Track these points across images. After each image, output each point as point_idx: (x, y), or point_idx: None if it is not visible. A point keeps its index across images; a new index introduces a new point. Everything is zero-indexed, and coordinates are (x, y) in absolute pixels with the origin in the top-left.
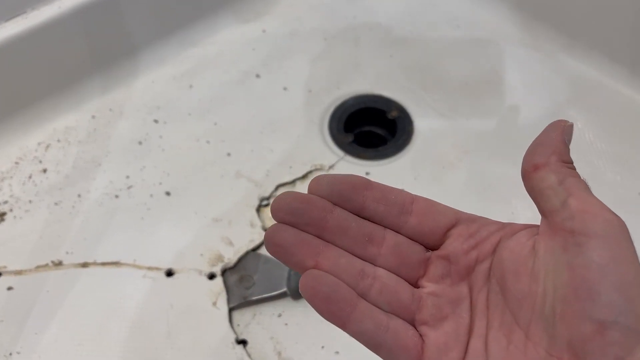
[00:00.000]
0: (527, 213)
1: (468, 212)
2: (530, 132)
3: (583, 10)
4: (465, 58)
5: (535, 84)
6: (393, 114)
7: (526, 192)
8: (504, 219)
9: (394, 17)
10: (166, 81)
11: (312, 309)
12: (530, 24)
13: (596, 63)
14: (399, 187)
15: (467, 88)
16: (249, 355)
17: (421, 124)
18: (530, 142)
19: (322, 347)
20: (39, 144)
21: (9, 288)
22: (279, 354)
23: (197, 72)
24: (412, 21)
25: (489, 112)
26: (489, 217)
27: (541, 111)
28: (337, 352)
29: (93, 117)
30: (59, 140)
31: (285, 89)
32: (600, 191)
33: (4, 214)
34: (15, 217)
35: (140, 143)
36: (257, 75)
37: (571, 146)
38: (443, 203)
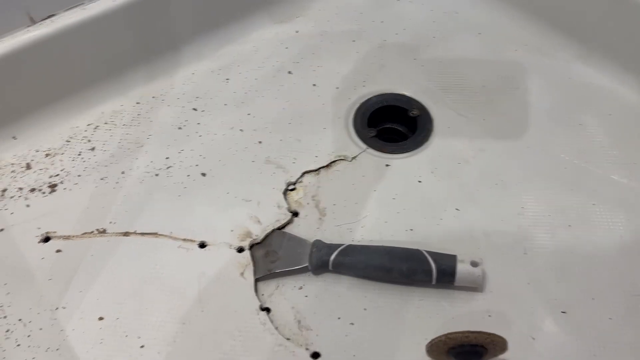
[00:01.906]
0: (535, 208)
1: (480, 204)
2: (542, 135)
3: (597, 22)
4: (484, 63)
5: (550, 89)
6: (414, 112)
7: (536, 190)
8: (514, 212)
9: (418, 23)
10: (205, 74)
11: (331, 284)
12: (547, 33)
13: (609, 72)
14: (417, 179)
15: (484, 91)
16: (272, 321)
17: (440, 122)
18: (541, 144)
19: (339, 318)
20: (88, 125)
21: (58, 251)
22: (299, 322)
23: (234, 67)
24: (436, 27)
25: (504, 114)
26: (500, 210)
27: (554, 116)
28: (352, 324)
29: (137, 103)
30: (106, 123)
31: (314, 85)
32: (608, 192)
33: (55, 185)
34: (65, 189)
35: (179, 128)
36: (289, 72)
37: (583, 150)
38: (458, 196)
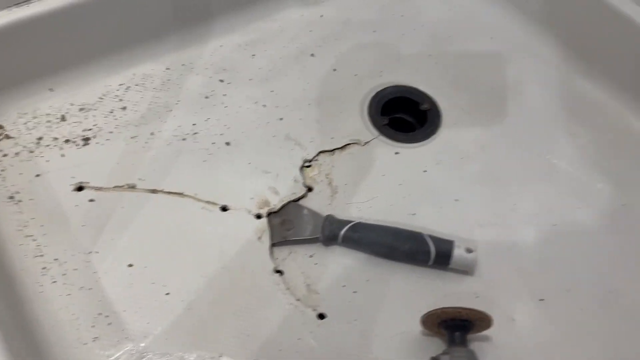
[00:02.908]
0: (526, 206)
1: (478, 197)
2: (540, 138)
3: (601, 41)
4: (495, 66)
5: (551, 97)
6: (425, 106)
7: (529, 189)
8: (506, 208)
9: (437, 21)
10: (233, 47)
11: (339, 256)
12: (556, 45)
13: (606, 87)
14: (423, 168)
15: (492, 92)
16: (284, 282)
17: (448, 118)
18: (539, 146)
19: (344, 286)
20: (120, 85)
21: (91, 200)
22: (308, 286)
23: (260, 44)
24: (453, 27)
25: (508, 116)
26: (495, 204)
27: (552, 123)
28: (355, 292)
29: (167, 68)
30: (137, 85)
31: (334, 69)
32: (592, 199)
33: (88, 139)
34: (97, 143)
35: (206, 97)
36: (312, 54)
37: (573, 156)
38: (458, 188)
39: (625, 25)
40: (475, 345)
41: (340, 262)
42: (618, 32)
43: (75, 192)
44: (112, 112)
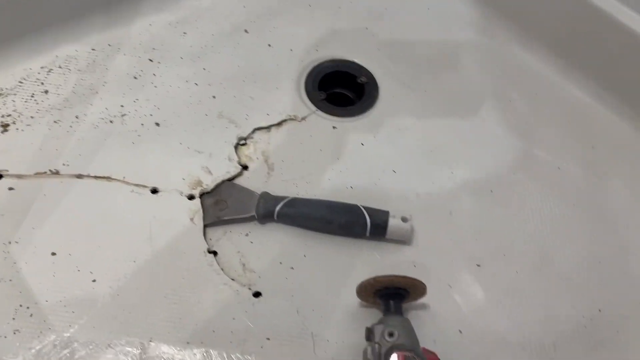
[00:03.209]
0: (463, 174)
1: (415, 168)
2: (476, 107)
3: (537, 10)
4: (431, 38)
5: (488, 67)
6: (362, 79)
7: (466, 158)
8: (444, 177)
9: None
10: (163, 26)
11: (275, 233)
12: (492, 16)
13: (541, 55)
14: (360, 141)
15: (429, 64)
16: (218, 263)
17: (386, 90)
18: (476, 115)
19: (280, 263)
20: (42, 67)
21: (10, 188)
22: (243, 265)
23: (192, 22)
24: (389, 0)
25: (444, 87)
26: (432, 174)
27: (488, 91)
28: (292, 268)
29: (93, 49)
30: (60, 67)
31: (269, 45)
32: (528, 164)
33: (7, 125)
34: (17, 129)
35: (135, 78)
36: (246, 31)
37: (509, 124)
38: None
39: None
40: (412, 314)
41: (277, 238)
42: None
43: None
44: (33, 97)
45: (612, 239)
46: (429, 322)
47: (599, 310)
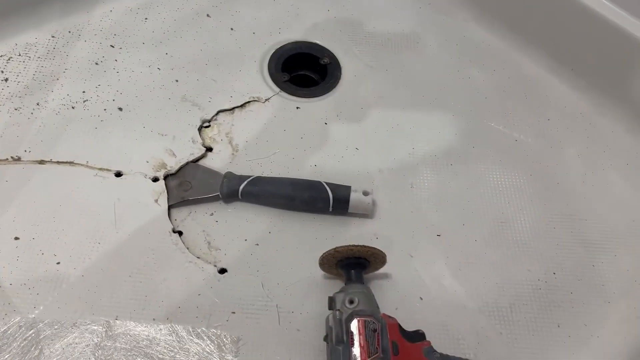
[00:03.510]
0: (424, 149)
1: (377, 145)
2: (436, 84)
3: None
4: (391, 18)
5: (447, 45)
6: (325, 60)
7: (426, 133)
8: (405, 153)
9: None
10: (123, 12)
11: (240, 211)
12: None
13: (498, 32)
14: (324, 121)
15: (389, 44)
16: (183, 242)
17: (348, 70)
18: (434, 94)
19: (245, 240)
20: (1, 56)
21: None
22: (209, 243)
23: (153, 7)
24: None
25: (405, 65)
26: (393, 150)
27: (448, 68)
28: (257, 244)
29: (53, 36)
30: (19, 55)
31: (232, 29)
32: (486, 137)
33: None
34: None
35: (96, 64)
36: (208, 15)
37: (468, 99)
38: (359, 137)
39: None
40: (374, 283)
41: (242, 216)
42: None
43: None
44: None
45: (566, 207)
46: (391, 290)
47: (554, 274)
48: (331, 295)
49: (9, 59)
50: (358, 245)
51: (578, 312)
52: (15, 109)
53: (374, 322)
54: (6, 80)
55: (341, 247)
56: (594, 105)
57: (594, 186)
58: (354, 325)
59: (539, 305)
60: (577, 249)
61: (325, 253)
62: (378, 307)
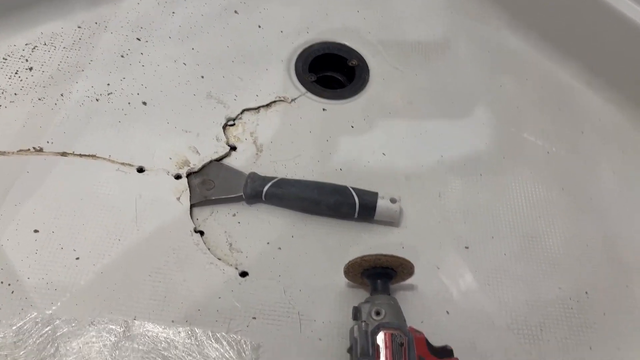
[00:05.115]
0: (453, 157)
1: (404, 151)
2: (467, 91)
3: None
4: (422, 23)
5: (479, 52)
6: (353, 62)
7: (455, 141)
8: (433, 160)
9: None
10: (151, 5)
11: (263, 213)
12: (484, 1)
13: (532, 41)
14: (350, 124)
15: (419, 48)
16: (205, 242)
17: (376, 73)
18: (466, 99)
19: (268, 243)
20: (26, 44)
21: None
22: (230, 245)
23: (180, 1)
24: None
25: (435, 71)
26: (421, 157)
27: (479, 76)
28: (279, 248)
29: (79, 27)
30: (45, 44)
31: (259, 27)
32: (517, 149)
33: None
34: (0, 106)
35: (122, 56)
36: (235, 11)
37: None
38: (386, 142)
39: None
40: (400, 295)
41: (265, 219)
42: None
43: None
44: (16, 74)
45: (599, 224)
46: (417, 302)
47: (586, 293)
48: (356, 305)
49: (34, 48)
50: (387, 255)
51: (611, 334)
52: (39, 99)
53: (401, 336)
54: (30, 69)
55: (368, 255)
56: (630, 120)
57: (628, 204)
58: (380, 339)
59: (570, 325)
60: (610, 268)
61: (351, 261)
62: (405, 320)
